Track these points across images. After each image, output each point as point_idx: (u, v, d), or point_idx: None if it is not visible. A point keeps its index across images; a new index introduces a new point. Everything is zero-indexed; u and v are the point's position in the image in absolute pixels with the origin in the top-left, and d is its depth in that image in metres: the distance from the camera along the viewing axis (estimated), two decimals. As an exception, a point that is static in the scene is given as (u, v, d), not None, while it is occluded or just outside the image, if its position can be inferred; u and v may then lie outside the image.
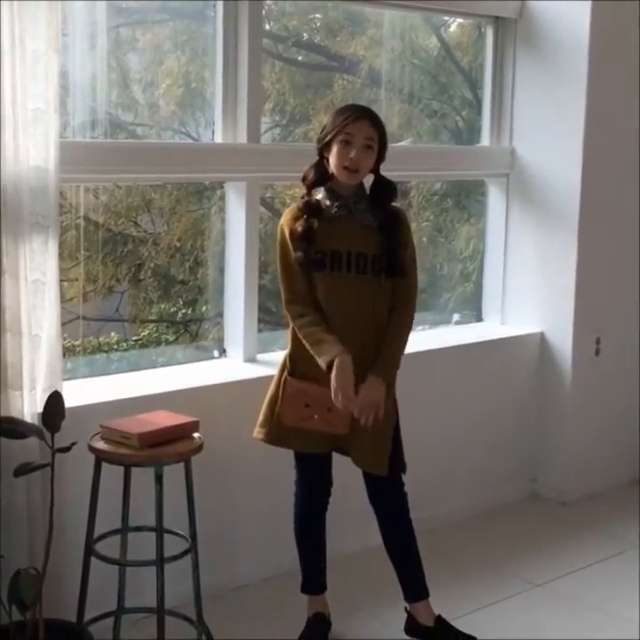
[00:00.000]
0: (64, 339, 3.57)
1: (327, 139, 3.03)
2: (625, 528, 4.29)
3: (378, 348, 3.05)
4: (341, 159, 3.00)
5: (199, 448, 3.06)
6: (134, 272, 4.05)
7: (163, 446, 2.99)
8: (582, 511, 4.44)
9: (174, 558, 3.01)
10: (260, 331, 4.04)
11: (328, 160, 3.05)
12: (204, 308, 4.10)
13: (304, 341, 3.03)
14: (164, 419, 3.10)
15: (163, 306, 4.19)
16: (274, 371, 3.70)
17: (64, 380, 3.28)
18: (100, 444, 3.00)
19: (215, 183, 3.90)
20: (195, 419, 3.12)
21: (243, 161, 3.72)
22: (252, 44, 3.67)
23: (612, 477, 4.72)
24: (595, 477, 4.62)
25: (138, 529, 3.14)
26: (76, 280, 3.77)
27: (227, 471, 3.54)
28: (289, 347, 3.14)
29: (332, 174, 3.05)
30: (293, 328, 3.10)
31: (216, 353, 3.89)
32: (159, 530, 2.96)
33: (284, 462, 3.64)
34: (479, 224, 4.80)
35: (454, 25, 4.86)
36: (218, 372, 3.70)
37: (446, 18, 4.73)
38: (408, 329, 3.12)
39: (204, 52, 3.84)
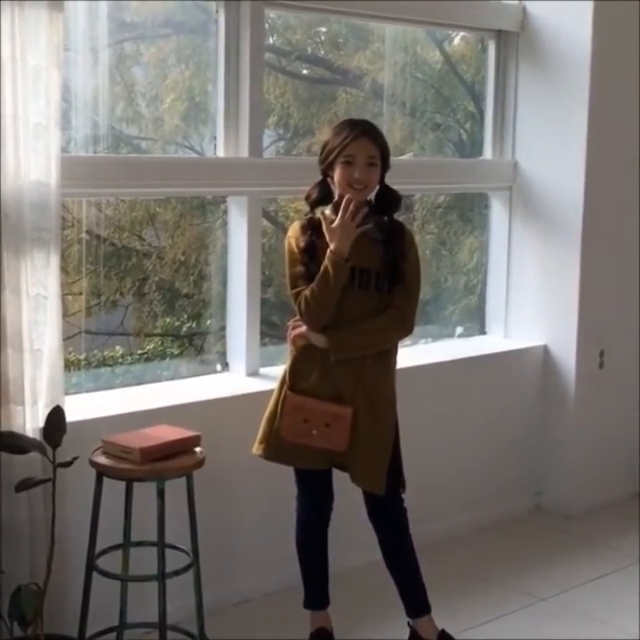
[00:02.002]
0: (68, 352, 3.58)
1: (329, 160, 3.03)
2: (629, 542, 4.27)
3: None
4: (347, 179, 2.99)
5: (201, 462, 3.06)
6: (138, 286, 4.05)
7: (164, 461, 2.99)
8: (586, 525, 4.43)
9: (176, 573, 3.01)
10: (264, 344, 4.03)
11: (332, 178, 3.05)
12: (208, 322, 4.10)
13: (314, 294, 2.96)
14: (166, 433, 3.10)
15: (167, 319, 4.19)
16: (276, 384, 3.73)
17: (69, 394, 3.29)
18: (102, 459, 3.00)
19: (218, 197, 3.91)
20: (196, 433, 3.12)
21: (244, 175, 3.72)
22: (254, 58, 3.69)
23: (617, 490, 4.71)
24: (599, 491, 4.60)
25: (140, 544, 3.14)
26: (80, 294, 3.77)
27: (229, 485, 3.54)
28: (289, 361, 3.14)
29: (334, 192, 3.05)
30: (293, 339, 3.10)
31: (219, 367, 3.89)
32: (161, 545, 2.95)
33: (285, 477, 3.63)
34: (482, 237, 4.80)
35: (457, 38, 4.87)
36: (220, 385, 3.70)
37: (449, 31, 4.74)
38: (385, 329, 3.05)
39: (207, 66, 3.85)
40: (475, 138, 4.78)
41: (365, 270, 3.02)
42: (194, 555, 3.08)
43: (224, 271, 3.86)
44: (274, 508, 3.65)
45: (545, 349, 4.54)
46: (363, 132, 3.01)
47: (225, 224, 3.85)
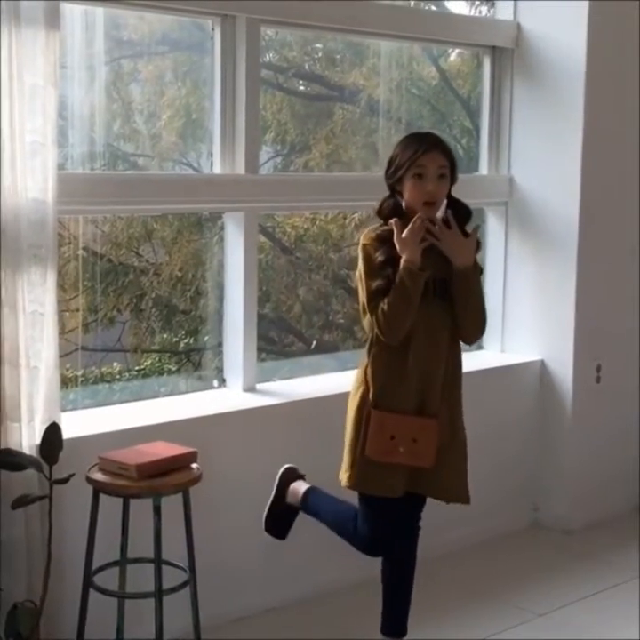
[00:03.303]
0: (66, 369, 3.59)
1: (399, 174, 3.00)
2: (628, 556, 4.26)
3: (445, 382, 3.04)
4: (419, 194, 2.96)
5: (197, 479, 3.05)
6: (136, 302, 4.06)
7: (161, 477, 2.98)
8: (585, 539, 4.42)
9: (173, 590, 3.01)
10: (262, 360, 4.03)
11: (400, 194, 3.02)
12: (205, 338, 4.11)
13: (392, 306, 2.92)
14: (163, 449, 3.09)
15: (165, 336, 4.20)
16: (273, 400, 3.74)
17: (66, 410, 3.29)
18: (98, 476, 2.99)
19: (215, 213, 3.92)
20: (193, 449, 3.11)
21: (241, 191, 3.73)
22: (250, 75, 3.70)
23: (615, 505, 4.70)
24: (597, 505, 4.60)
25: (136, 561, 3.13)
26: (78, 311, 3.78)
27: (226, 501, 3.53)
28: (371, 381, 3.01)
29: (407, 207, 3.01)
30: (375, 359, 3.01)
31: (216, 383, 3.89)
32: (157, 561, 2.95)
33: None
34: (481, 252, 4.80)
35: (454, 54, 4.89)
36: (217, 401, 3.70)
37: (445, 48, 4.76)
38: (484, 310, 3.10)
39: (204, 83, 3.87)
40: (471, 153, 4.79)
41: (441, 279, 3.01)
42: (191, 571, 3.08)
43: (221, 287, 3.87)
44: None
45: (542, 364, 4.54)
46: (433, 145, 3.00)
47: (222, 240, 3.86)
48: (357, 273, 3.05)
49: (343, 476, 3.06)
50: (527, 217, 4.57)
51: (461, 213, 3.06)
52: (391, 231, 2.98)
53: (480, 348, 4.70)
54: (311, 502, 3.25)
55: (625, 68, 4.51)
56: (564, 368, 4.49)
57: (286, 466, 3.37)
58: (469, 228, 3.07)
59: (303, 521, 3.66)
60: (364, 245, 3.02)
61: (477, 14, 4.68)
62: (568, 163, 4.40)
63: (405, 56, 4.64)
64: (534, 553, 4.30)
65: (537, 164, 4.52)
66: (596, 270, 4.49)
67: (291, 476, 3.35)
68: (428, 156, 2.96)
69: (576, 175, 4.38)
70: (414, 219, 2.94)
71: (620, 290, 4.64)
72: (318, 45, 4.54)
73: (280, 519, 3.35)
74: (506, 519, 4.46)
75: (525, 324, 4.60)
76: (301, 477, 3.34)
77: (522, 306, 4.60)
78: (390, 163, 3.05)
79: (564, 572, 4.10)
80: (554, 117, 4.46)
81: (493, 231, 4.68)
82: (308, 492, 3.26)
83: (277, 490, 3.34)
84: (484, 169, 4.64)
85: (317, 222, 4.58)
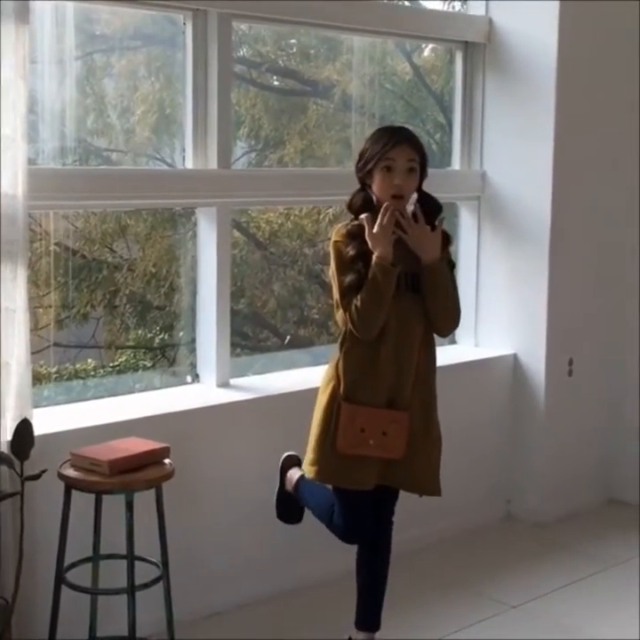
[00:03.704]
0: (39, 366, 3.57)
1: (368, 167, 3.01)
2: (599, 548, 4.30)
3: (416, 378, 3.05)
4: (387, 188, 2.97)
5: (170, 474, 3.05)
6: (110, 298, 4.05)
7: (133, 473, 2.98)
8: (557, 532, 4.45)
9: (146, 586, 3.01)
10: (237, 355, 4.02)
11: (370, 187, 3.03)
12: (180, 334, 4.10)
13: (365, 302, 2.92)
14: (135, 445, 3.09)
15: (139, 332, 4.19)
16: (246, 396, 3.74)
17: (40, 407, 3.28)
18: (70, 472, 2.99)
19: (188, 209, 3.91)
20: (165, 445, 3.11)
21: (213, 186, 3.73)
22: (222, 70, 3.69)
23: (587, 497, 4.74)
24: (569, 498, 4.63)
25: (109, 557, 3.12)
26: (51, 307, 3.76)
27: (199, 497, 3.53)
28: (342, 374, 3.02)
29: (376, 200, 3.02)
30: (347, 354, 3.01)
31: (189, 378, 3.89)
32: (130, 557, 2.95)
33: (255, 487, 3.65)
34: (454, 247, 4.82)
35: (428, 49, 4.90)
36: (190, 397, 3.70)
37: (418, 43, 4.77)
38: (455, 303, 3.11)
39: (177, 78, 3.86)
40: (445, 148, 4.81)
41: (413, 274, 3.01)
42: (164, 567, 3.07)
43: (195, 283, 3.86)
44: (244, 519, 3.65)
45: (515, 358, 4.57)
46: (403, 139, 3.00)
47: (196, 236, 3.85)
48: (330, 269, 3.05)
49: (310, 469, 3.06)
50: (499, 211, 4.59)
51: (431, 208, 3.06)
52: (361, 226, 2.99)
53: (454, 342, 4.72)
54: (301, 489, 3.26)
55: (596, 62, 4.53)
56: (536, 362, 4.51)
57: (287, 453, 3.38)
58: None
59: (275, 516, 3.68)
60: (335, 242, 3.02)
61: (450, 10, 4.68)
62: (540, 157, 4.42)
63: (379, 51, 4.64)
64: (507, 546, 4.32)
65: (509, 158, 4.54)
66: (567, 264, 4.52)
67: (290, 463, 3.37)
68: (397, 150, 2.97)
69: (548, 170, 4.41)
70: (383, 208, 2.94)
71: (591, 283, 4.66)
72: (292, 41, 4.54)
73: (288, 505, 3.35)
74: (479, 513, 4.48)
75: (498, 318, 4.62)
76: (299, 464, 3.33)
77: (495, 300, 4.62)
78: (360, 156, 3.05)
79: (536, 564, 4.13)
80: (526, 112, 4.48)
81: (466, 226, 4.70)
82: (300, 478, 3.26)
83: (280, 477, 3.35)
84: (456, 164, 4.66)
85: (292, 217, 4.58)
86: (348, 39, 4.46)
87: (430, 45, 4.82)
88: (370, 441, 2.97)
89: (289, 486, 3.32)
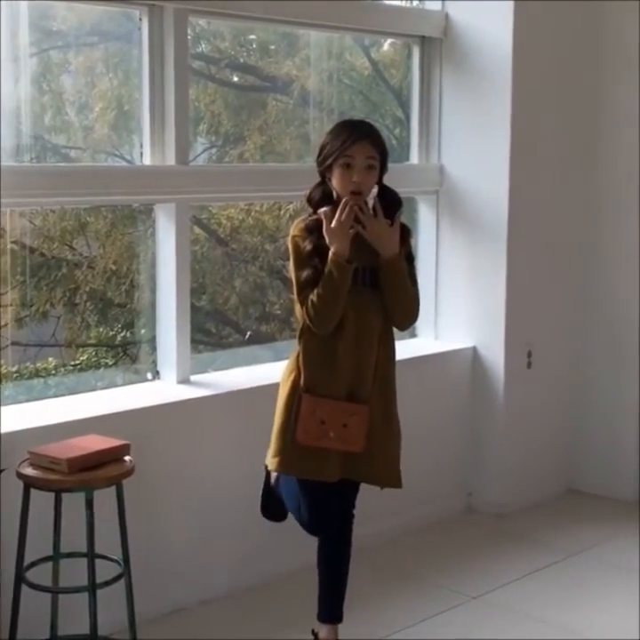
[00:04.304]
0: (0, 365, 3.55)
1: (328, 162, 3.01)
2: (560, 538, 4.35)
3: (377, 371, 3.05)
4: (345, 184, 2.97)
5: (130, 471, 3.05)
6: (69, 296, 4.02)
7: (92, 471, 2.97)
8: (517, 523, 4.49)
9: (107, 583, 3.00)
10: (199, 352, 4.02)
11: (330, 180, 3.03)
12: (141, 331, 4.09)
13: (321, 298, 2.93)
14: (95, 443, 3.08)
15: (101, 329, 4.17)
16: (207, 392, 3.74)
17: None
18: (29, 471, 2.97)
19: (149, 205, 3.90)
20: (125, 442, 3.11)
21: (171, 183, 3.72)
22: (179, 65, 3.68)
23: (547, 488, 4.79)
24: (530, 489, 4.67)
25: (69, 555, 3.11)
26: (10, 306, 3.74)
27: (160, 494, 3.53)
28: (302, 367, 3.03)
29: (335, 194, 3.02)
30: (305, 347, 3.02)
31: (149, 375, 3.88)
32: (90, 555, 2.94)
33: (216, 483, 3.65)
34: (413, 241, 4.84)
35: (387, 44, 4.92)
36: (150, 394, 3.69)
37: (377, 38, 4.78)
38: (414, 299, 3.12)
39: (135, 74, 3.84)
40: (404, 143, 4.82)
41: (371, 268, 3.01)
42: (125, 564, 3.07)
43: (155, 280, 3.85)
44: (206, 516, 3.65)
45: (474, 351, 4.60)
46: (363, 136, 3.00)
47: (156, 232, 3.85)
48: (290, 264, 3.06)
49: (272, 461, 3.07)
50: (457, 205, 4.62)
51: (391, 202, 3.07)
52: (319, 220, 2.99)
53: (414, 335, 4.75)
54: (280, 483, 3.23)
55: (552, 57, 4.57)
56: (495, 354, 4.55)
57: None
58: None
59: (238, 511, 3.69)
60: (293, 237, 3.03)
61: (407, 5, 4.70)
62: (497, 151, 4.46)
63: (337, 47, 4.65)
64: (468, 537, 4.36)
65: (466, 152, 4.57)
66: (525, 257, 4.55)
67: None
68: (356, 147, 2.97)
69: (505, 163, 4.44)
70: (342, 203, 2.95)
71: (548, 275, 4.70)
72: (252, 36, 4.54)
73: (272, 502, 3.30)
74: (440, 505, 4.51)
75: (458, 311, 4.65)
76: None
77: (454, 293, 4.65)
78: (321, 150, 3.06)
79: (497, 554, 4.17)
80: (482, 106, 4.51)
81: (425, 220, 4.72)
82: (279, 475, 3.27)
83: (266, 473, 3.31)
84: (414, 158, 4.68)
85: (252, 213, 4.58)
86: (306, 34, 4.47)
87: (389, 40, 4.83)
88: (330, 433, 2.98)
89: (273, 482, 3.31)
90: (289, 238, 3.05)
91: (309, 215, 3.08)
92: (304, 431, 2.99)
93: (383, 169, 3.06)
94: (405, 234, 3.10)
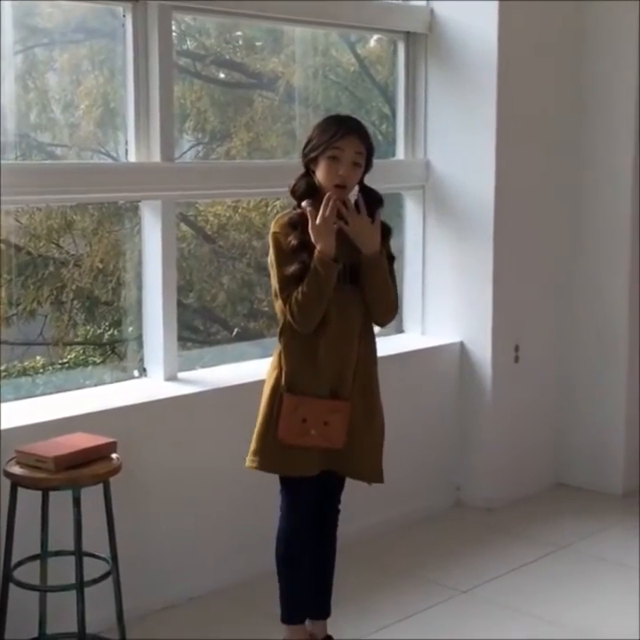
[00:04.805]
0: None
1: (315, 153, 3.00)
2: (548, 531, 4.36)
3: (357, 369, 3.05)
4: (331, 177, 2.97)
5: (117, 469, 3.04)
6: (56, 295, 4.02)
7: (79, 468, 2.97)
8: (506, 516, 4.50)
9: (95, 581, 3.00)
10: (187, 348, 4.01)
11: (314, 173, 3.02)
12: (129, 329, 4.08)
13: (306, 296, 2.92)
14: (81, 441, 3.08)
15: (88, 328, 4.16)
16: (194, 389, 3.74)
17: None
18: (16, 469, 2.97)
19: (135, 203, 3.89)
20: (112, 439, 3.10)
21: (156, 180, 3.72)
22: (163, 61, 3.68)
23: (535, 482, 4.80)
24: (518, 483, 4.69)
25: (57, 553, 3.11)
26: (-2, 304, 3.74)
27: (147, 491, 3.52)
28: (284, 365, 3.03)
29: (320, 186, 3.01)
30: (287, 345, 3.02)
31: (136, 373, 3.88)
32: (78, 553, 2.94)
33: (203, 480, 3.65)
34: (400, 237, 4.85)
35: (373, 40, 4.91)
36: (138, 391, 3.69)
37: (363, 34, 4.78)
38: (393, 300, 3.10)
39: (121, 71, 3.83)
40: (390, 139, 4.83)
41: (352, 266, 3.01)
42: (113, 562, 3.07)
43: (142, 277, 3.84)
44: (193, 513, 3.65)
45: (461, 346, 4.60)
46: (353, 130, 3.00)
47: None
48: (269, 260, 3.05)
49: (252, 459, 3.06)
50: (444, 200, 4.62)
51: (372, 200, 3.06)
52: (302, 215, 2.99)
53: (401, 331, 4.75)
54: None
55: (537, 52, 4.58)
56: (482, 349, 4.56)
57: None
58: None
59: (226, 508, 3.69)
60: (275, 233, 3.01)
61: (392, 1, 4.70)
62: (482, 146, 4.46)
63: (323, 43, 4.65)
64: (457, 531, 4.37)
65: (452, 147, 4.57)
66: (511, 252, 4.56)
67: None
68: (345, 140, 2.97)
69: (490, 158, 4.45)
70: (325, 198, 2.94)
71: (535, 270, 4.71)
72: (238, 33, 4.53)
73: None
74: (429, 500, 4.51)
75: (445, 306, 4.65)
76: None
77: (441, 288, 4.66)
78: (308, 142, 3.05)
79: (485, 548, 4.18)
80: (468, 101, 4.52)
81: (411, 215, 4.72)
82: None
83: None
84: (400, 153, 4.68)
85: (240, 210, 4.57)
86: (292, 31, 4.47)
87: (375, 36, 4.83)
88: (311, 431, 2.98)
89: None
90: (270, 235, 3.04)
91: (293, 209, 3.07)
92: (286, 430, 2.99)
93: (368, 166, 3.06)
94: (386, 232, 3.09)
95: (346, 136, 2.97)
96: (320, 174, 3.00)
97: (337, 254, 2.95)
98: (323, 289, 2.93)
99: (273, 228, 3.04)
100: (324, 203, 2.94)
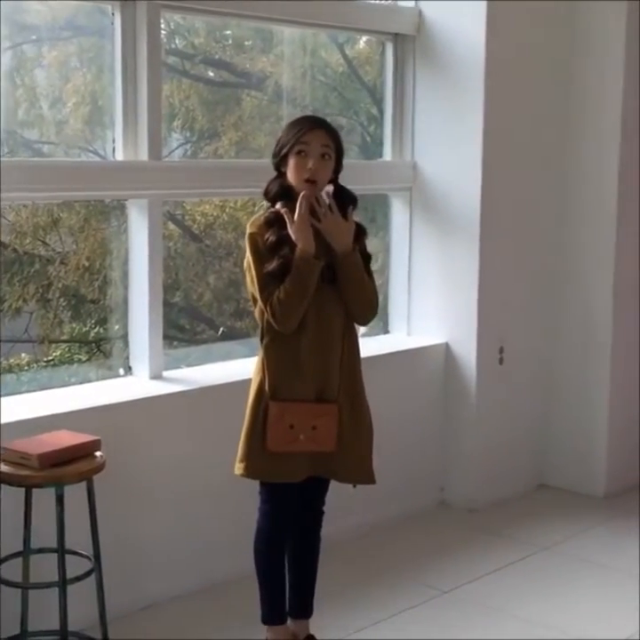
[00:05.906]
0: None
1: (283, 152, 3.01)
2: (531, 532, 4.38)
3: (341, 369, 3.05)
4: (300, 172, 2.97)
5: (101, 467, 3.05)
6: (42, 292, 4.01)
7: (63, 466, 2.97)
8: (489, 517, 4.51)
9: (77, 579, 3.00)
10: (173, 347, 4.01)
11: (285, 174, 3.03)
12: (115, 327, 4.08)
13: (289, 295, 2.91)
14: (65, 438, 3.08)
15: (74, 325, 4.16)
16: (179, 388, 3.74)
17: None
18: (0, 466, 2.97)
19: (121, 201, 3.89)
20: (96, 437, 3.11)
21: (144, 178, 3.71)
22: (152, 60, 3.67)
23: (519, 483, 4.82)
24: (501, 484, 4.70)
25: (40, 551, 3.11)
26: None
27: (131, 489, 3.52)
28: (266, 371, 3.01)
29: (292, 187, 3.01)
30: (268, 349, 3.01)
31: (122, 371, 3.88)
32: (61, 551, 2.94)
33: (187, 479, 3.65)
34: (387, 238, 4.86)
35: (362, 41, 4.92)
36: (123, 390, 3.68)
37: (352, 34, 4.78)
38: (373, 294, 3.10)
39: (109, 69, 3.83)
40: (378, 140, 4.83)
41: (329, 264, 3.00)
42: (95, 560, 3.07)
43: (128, 276, 3.84)
44: (177, 511, 3.65)
45: (446, 347, 4.62)
46: (318, 124, 3.02)
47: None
48: (245, 263, 3.03)
49: (238, 466, 3.04)
50: (431, 202, 4.64)
51: (346, 200, 3.06)
52: (277, 213, 2.98)
53: (386, 331, 4.77)
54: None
55: (523, 54, 4.59)
56: (467, 350, 4.57)
57: None
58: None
59: (210, 507, 3.70)
60: (252, 234, 3.00)
61: (380, 1, 4.71)
62: (470, 147, 4.47)
63: (311, 43, 4.66)
64: (440, 532, 4.38)
65: (439, 149, 4.58)
66: (497, 253, 4.57)
67: None
68: (311, 134, 2.98)
69: (477, 160, 4.45)
70: (300, 198, 2.94)
71: (520, 272, 4.73)
72: (227, 32, 4.53)
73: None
74: (412, 500, 4.52)
75: (430, 307, 4.66)
76: None
77: (426, 289, 4.67)
78: (276, 143, 3.07)
79: (469, 549, 4.19)
80: (455, 103, 4.53)
81: (397, 216, 4.73)
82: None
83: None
84: (388, 155, 4.69)
85: (227, 210, 4.58)
86: (281, 31, 4.47)
87: (364, 37, 4.84)
88: (300, 436, 2.97)
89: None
90: (246, 236, 3.02)
91: (266, 210, 3.07)
92: (274, 438, 2.97)
93: (339, 165, 3.07)
94: (360, 232, 3.09)
95: (312, 130, 2.99)
96: (290, 172, 3.00)
97: (317, 253, 2.95)
98: (305, 287, 2.93)
99: (249, 228, 3.02)
100: (298, 202, 2.94)
